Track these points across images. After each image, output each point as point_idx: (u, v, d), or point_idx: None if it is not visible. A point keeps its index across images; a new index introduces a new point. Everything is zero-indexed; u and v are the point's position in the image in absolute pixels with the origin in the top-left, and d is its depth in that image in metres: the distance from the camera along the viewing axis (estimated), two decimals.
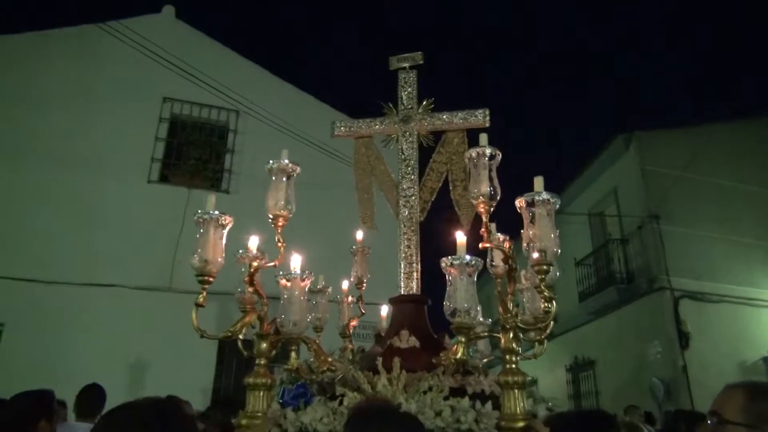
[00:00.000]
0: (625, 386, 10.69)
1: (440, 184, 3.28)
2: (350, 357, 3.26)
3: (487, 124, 3.29)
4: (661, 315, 10.19)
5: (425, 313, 3.12)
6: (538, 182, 2.28)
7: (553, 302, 2.21)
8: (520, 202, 2.25)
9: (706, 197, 11.05)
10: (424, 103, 3.48)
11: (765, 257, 10.93)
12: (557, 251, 2.24)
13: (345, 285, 3.90)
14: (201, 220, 2.47)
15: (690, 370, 9.52)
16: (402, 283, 3.17)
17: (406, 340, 2.87)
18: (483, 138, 2.55)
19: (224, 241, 2.49)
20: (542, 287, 2.18)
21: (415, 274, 3.16)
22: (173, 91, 8.62)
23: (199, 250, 2.42)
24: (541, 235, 2.20)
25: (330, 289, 3.67)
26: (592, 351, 12.14)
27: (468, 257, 2.25)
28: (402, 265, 3.19)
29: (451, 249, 2.39)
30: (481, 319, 3.34)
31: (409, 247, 3.20)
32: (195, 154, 8.80)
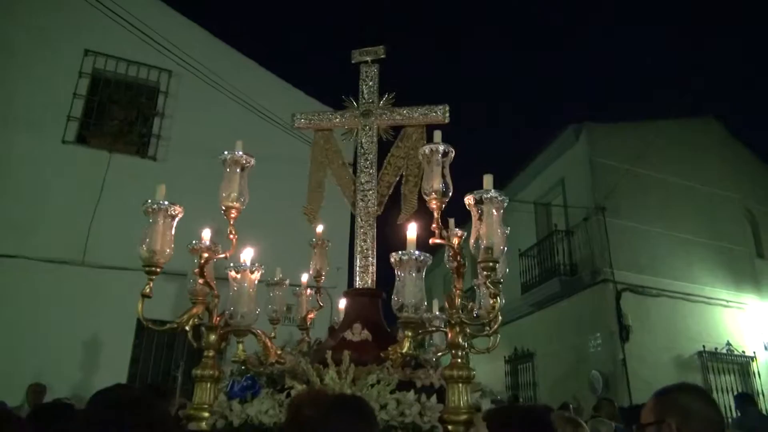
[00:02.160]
0: (564, 378, 10.74)
1: (397, 179, 3.30)
2: (305, 349, 3.27)
3: (447, 120, 3.31)
4: (602, 307, 10.22)
5: (379, 307, 3.14)
6: (488, 180, 2.31)
7: (498, 297, 2.25)
8: (468, 200, 2.28)
9: (650, 192, 11.20)
10: (385, 97, 3.48)
11: (703, 254, 11.19)
12: (504, 248, 2.28)
13: (304, 277, 3.90)
14: (150, 209, 2.44)
15: (629, 363, 9.62)
16: (357, 277, 3.18)
17: (359, 334, 2.88)
18: (437, 135, 2.57)
19: (173, 230, 2.46)
20: (487, 283, 2.22)
21: (370, 267, 3.17)
22: (97, 43, 7.73)
23: (147, 240, 2.39)
24: (488, 232, 2.24)
25: (288, 282, 3.68)
26: (531, 342, 12.12)
27: (416, 252, 2.27)
28: (358, 259, 3.20)
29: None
30: (437, 313, 3.39)
31: (365, 240, 3.20)
32: (119, 114, 7.90)
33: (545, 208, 12.73)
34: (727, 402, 9.01)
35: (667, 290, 10.55)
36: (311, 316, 3.71)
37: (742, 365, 10.63)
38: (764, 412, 8.51)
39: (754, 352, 10.75)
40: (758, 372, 10.61)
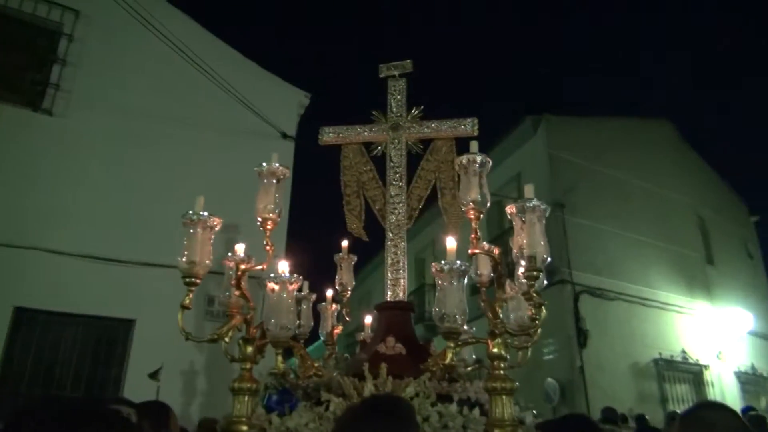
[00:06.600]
0: (517, 388, 10.22)
1: (428, 192, 3.29)
2: (334, 363, 3.23)
3: (476, 133, 3.32)
4: (559, 311, 9.25)
5: (411, 320, 3.12)
6: (529, 189, 2.30)
7: (542, 309, 2.23)
8: (510, 209, 2.27)
9: (606, 190, 10.68)
10: (413, 111, 3.50)
11: (659, 257, 10.73)
12: (547, 258, 2.25)
13: (329, 293, 3.88)
14: (189, 220, 2.43)
15: (586, 370, 8.86)
16: (388, 290, 3.15)
17: (392, 347, 2.85)
18: (473, 145, 2.58)
19: (212, 241, 2.46)
20: (531, 293, 2.19)
21: (402, 281, 3.15)
22: None
23: (186, 252, 2.38)
24: (531, 242, 2.22)
25: (314, 297, 3.66)
26: (480, 350, 11.41)
27: (458, 262, 2.25)
28: (389, 273, 3.18)
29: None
30: (465, 327, 3.36)
31: (395, 253, 3.19)
32: (8, 58, 6.48)
33: (498, 205, 12.26)
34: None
35: (623, 293, 9.92)
36: (337, 331, 3.68)
37: (695, 374, 10.20)
38: None
39: (708, 363, 10.34)
40: (711, 381, 10.19)
